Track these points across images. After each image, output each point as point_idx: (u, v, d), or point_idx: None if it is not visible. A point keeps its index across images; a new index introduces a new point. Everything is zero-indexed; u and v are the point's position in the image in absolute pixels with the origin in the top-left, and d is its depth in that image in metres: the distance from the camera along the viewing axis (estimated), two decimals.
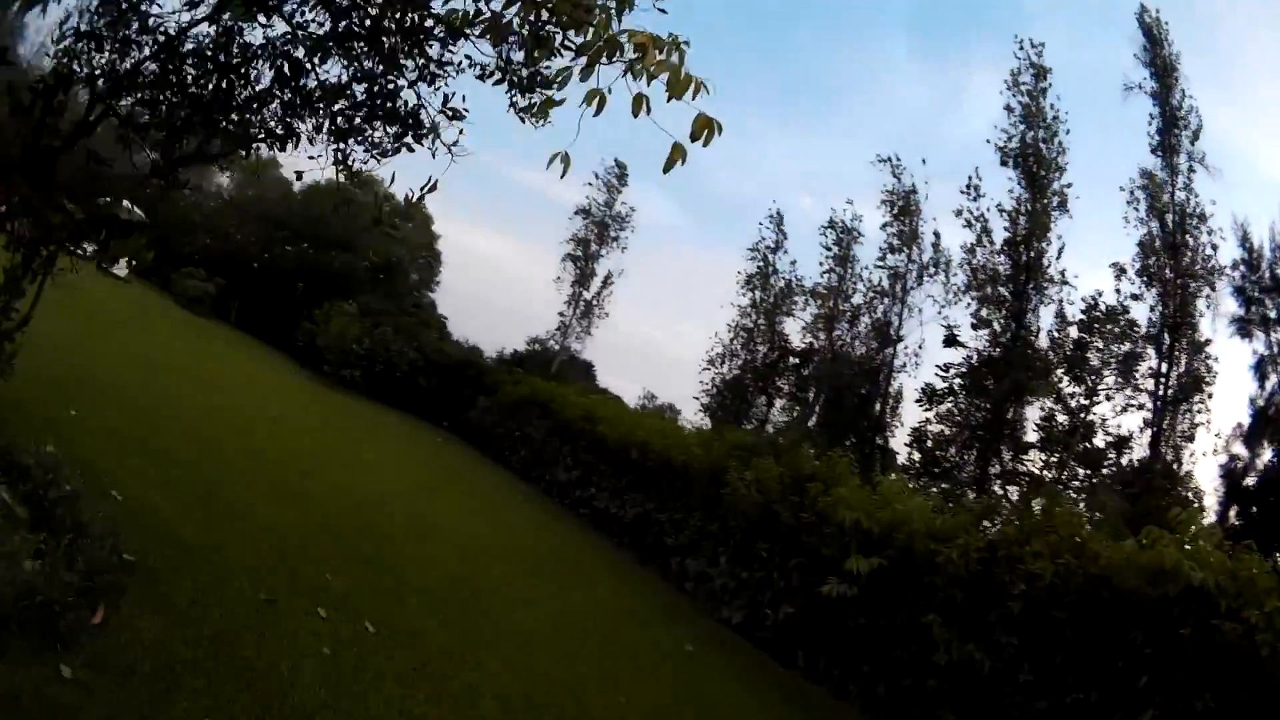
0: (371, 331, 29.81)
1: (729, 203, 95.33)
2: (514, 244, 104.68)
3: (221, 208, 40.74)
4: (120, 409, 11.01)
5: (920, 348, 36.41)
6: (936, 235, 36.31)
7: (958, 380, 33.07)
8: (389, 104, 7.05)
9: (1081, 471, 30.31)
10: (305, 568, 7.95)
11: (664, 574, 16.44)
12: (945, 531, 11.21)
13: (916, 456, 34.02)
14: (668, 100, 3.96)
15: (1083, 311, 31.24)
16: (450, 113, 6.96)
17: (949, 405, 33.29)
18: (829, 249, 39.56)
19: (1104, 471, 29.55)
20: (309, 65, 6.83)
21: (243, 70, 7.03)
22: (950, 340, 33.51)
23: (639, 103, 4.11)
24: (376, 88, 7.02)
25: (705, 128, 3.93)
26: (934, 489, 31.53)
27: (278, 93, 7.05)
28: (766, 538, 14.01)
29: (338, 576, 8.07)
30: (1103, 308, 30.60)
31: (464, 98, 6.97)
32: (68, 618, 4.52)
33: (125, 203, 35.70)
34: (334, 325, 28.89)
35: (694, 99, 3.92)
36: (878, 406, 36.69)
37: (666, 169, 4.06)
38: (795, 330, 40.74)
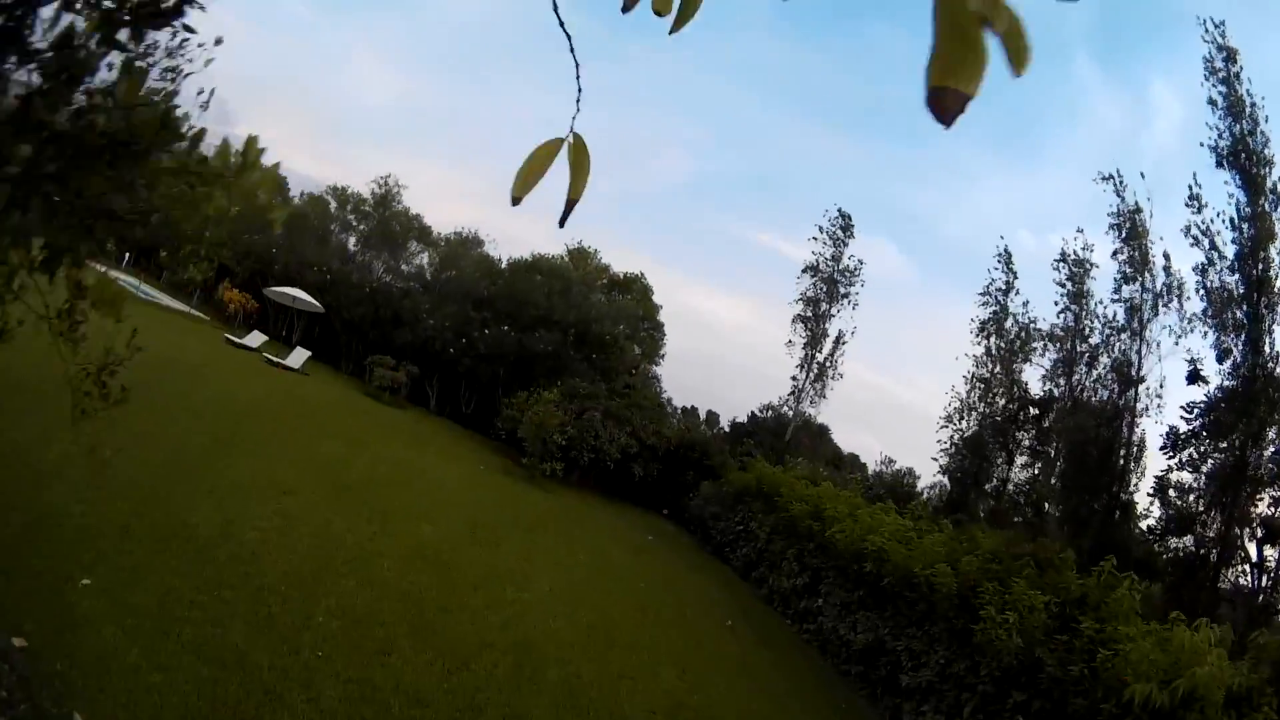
0: (576, 418, 28.42)
1: (952, 247, 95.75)
2: (752, 304, 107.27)
3: (411, 291, 40.41)
4: (184, 559, 8.65)
5: (1161, 387, 33.68)
6: (1166, 257, 33.69)
7: (1199, 421, 30.06)
8: None
9: None
10: None
11: None
12: (1241, 694, 9.07)
13: (1157, 510, 31.29)
14: None
15: None
16: None
17: (1191, 450, 30.34)
18: (1062, 285, 37.33)
19: None
20: None
21: None
22: (1194, 376, 30.63)
23: None
24: None
25: None
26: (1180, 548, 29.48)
27: None
28: (1024, 687, 11.43)
29: None
30: None
31: None
32: None
33: (299, 293, 36.48)
34: (532, 414, 27.30)
35: None
36: (1121, 455, 33.63)
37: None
38: (1034, 378, 38.81)
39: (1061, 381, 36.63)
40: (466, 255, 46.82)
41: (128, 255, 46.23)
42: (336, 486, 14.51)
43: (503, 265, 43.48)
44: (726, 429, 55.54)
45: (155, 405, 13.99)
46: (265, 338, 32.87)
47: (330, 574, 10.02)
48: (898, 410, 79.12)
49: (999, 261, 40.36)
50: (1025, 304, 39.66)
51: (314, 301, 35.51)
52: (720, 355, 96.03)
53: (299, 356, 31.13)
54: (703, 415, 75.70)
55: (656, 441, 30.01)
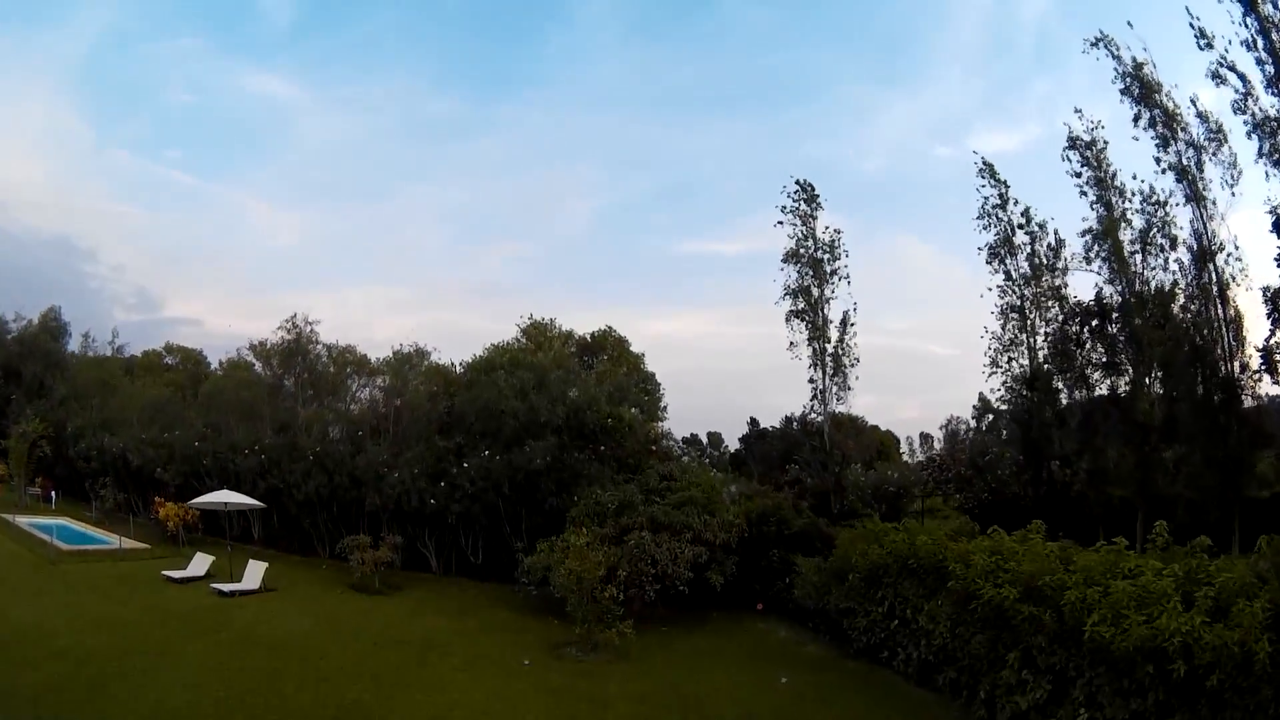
0: (619, 544, 22.40)
1: (875, 183, 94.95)
2: (707, 310, 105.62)
3: (362, 444, 33.24)
4: None
5: (1236, 247, 28.76)
6: (1194, 102, 29.06)
7: None
8: None
9: None
10: None
11: None
12: None
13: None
14: None
15: None
16: None
17: None
18: (1077, 174, 32.27)
19: None
20: None
21: None
22: None
23: None
24: None
25: None
26: None
27: None
28: None
29: None
30: None
31: None
32: None
33: (229, 495, 29.23)
34: (564, 568, 20.64)
35: None
36: (1218, 344, 28.64)
37: None
38: (1082, 286, 34.01)
39: (1119, 281, 31.33)
40: (415, 372, 40.65)
41: (55, 494, 40.95)
42: None
43: (458, 369, 37.46)
44: (739, 445, 50.91)
45: None
46: (211, 558, 27.02)
47: None
48: (917, 364, 77.28)
49: (982, 177, 35.62)
50: (1026, 210, 34.94)
51: (248, 500, 29.37)
52: (694, 369, 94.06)
53: (255, 573, 25.46)
54: (704, 439, 71.59)
55: (724, 535, 23.80)
